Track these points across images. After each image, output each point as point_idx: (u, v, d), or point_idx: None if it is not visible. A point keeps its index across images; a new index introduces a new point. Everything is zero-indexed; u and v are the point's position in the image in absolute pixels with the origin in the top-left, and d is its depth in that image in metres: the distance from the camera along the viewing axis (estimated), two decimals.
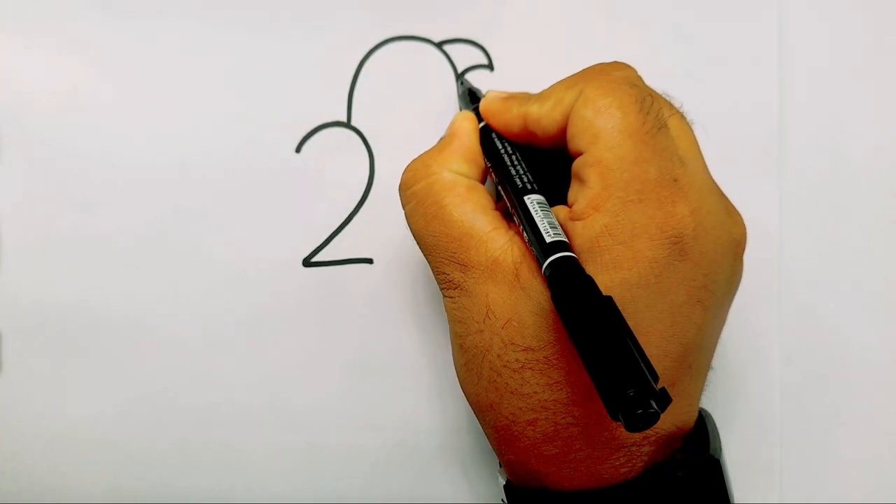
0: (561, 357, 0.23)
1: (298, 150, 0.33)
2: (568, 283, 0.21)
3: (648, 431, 0.24)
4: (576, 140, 0.24)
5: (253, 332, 0.33)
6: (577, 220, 0.24)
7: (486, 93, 0.29)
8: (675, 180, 0.24)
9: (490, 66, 0.34)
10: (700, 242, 0.24)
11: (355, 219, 0.33)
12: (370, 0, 0.33)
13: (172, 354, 0.33)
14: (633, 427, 0.19)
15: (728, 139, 0.34)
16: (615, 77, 0.25)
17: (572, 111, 0.25)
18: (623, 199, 0.23)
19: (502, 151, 0.27)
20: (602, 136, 0.24)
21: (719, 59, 0.34)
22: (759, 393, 0.35)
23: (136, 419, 0.33)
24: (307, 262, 0.33)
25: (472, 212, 0.25)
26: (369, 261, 0.34)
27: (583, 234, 0.23)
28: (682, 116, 0.26)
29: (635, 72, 0.26)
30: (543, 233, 0.23)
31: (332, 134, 0.34)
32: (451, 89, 0.34)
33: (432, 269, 0.26)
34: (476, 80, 0.34)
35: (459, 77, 0.33)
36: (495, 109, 0.28)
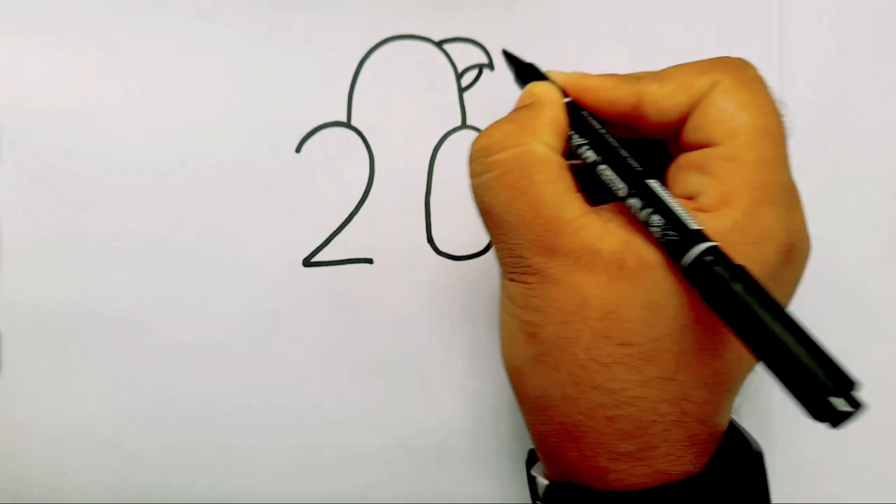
0: (660, 354, 0.22)
1: (298, 149, 0.33)
2: (725, 273, 0.20)
3: (714, 428, 0.24)
4: (706, 130, 0.23)
5: (253, 331, 0.33)
6: (704, 211, 0.22)
7: (570, 73, 0.26)
8: (793, 190, 0.24)
9: (490, 66, 0.34)
10: (803, 253, 0.24)
11: (355, 219, 0.33)
12: (370, 0, 0.33)
13: (172, 354, 0.33)
14: (839, 423, 0.18)
15: None
16: (751, 74, 0.24)
17: (708, 100, 0.23)
18: (758, 200, 0.22)
19: (602, 131, 0.24)
20: (743, 132, 0.23)
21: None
22: (758, 393, 0.35)
23: (137, 419, 0.33)
24: (307, 262, 0.33)
25: (565, 193, 0.23)
26: (369, 261, 0.34)
27: (710, 226, 0.22)
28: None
29: (760, 72, 0.25)
30: (685, 220, 0.21)
31: (332, 134, 0.34)
32: (452, 89, 0.34)
33: (501, 250, 0.24)
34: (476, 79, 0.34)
35: (507, 53, 0.28)
36: (598, 85, 0.25)
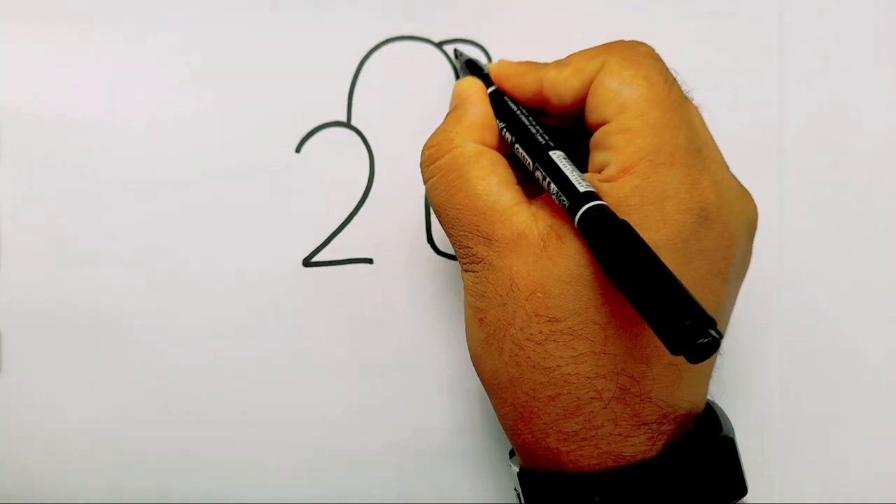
0: (586, 327, 0.23)
1: (298, 150, 0.33)
2: (606, 227, 0.22)
3: (668, 409, 0.24)
4: (599, 110, 0.25)
5: (252, 332, 0.33)
6: (608, 181, 0.24)
7: (497, 61, 0.29)
8: (699, 151, 0.24)
9: None
10: (723, 214, 0.24)
11: (355, 219, 0.33)
12: (370, 0, 0.33)
13: (172, 355, 0.33)
14: (696, 357, 0.19)
15: (728, 140, 0.34)
16: (638, 51, 0.25)
17: (595, 81, 0.25)
18: (654, 162, 0.23)
19: (518, 112, 0.27)
20: (629, 105, 0.24)
21: (718, 60, 0.34)
22: (758, 393, 0.35)
23: (137, 419, 0.33)
24: (307, 262, 0.33)
25: (497, 185, 0.25)
26: (369, 261, 0.34)
27: (611, 194, 0.23)
28: (691, 100, 0.26)
29: (655, 50, 0.26)
30: (576, 184, 0.23)
31: (332, 134, 0.34)
32: (452, 90, 0.34)
33: (453, 244, 0.26)
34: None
35: (456, 52, 0.33)
36: (510, 72, 0.28)
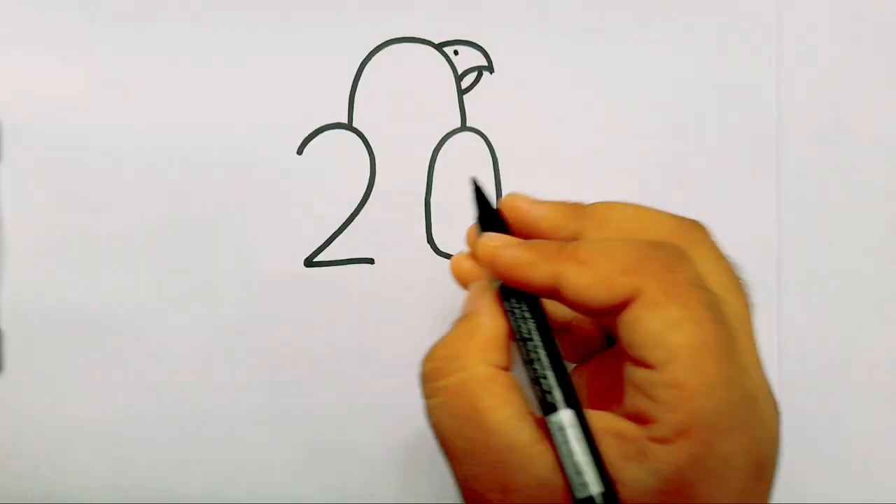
0: None
1: (300, 151, 0.34)
2: None
3: None
4: (640, 351, 0.21)
5: (254, 331, 0.33)
6: (660, 443, 0.21)
7: (502, 200, 0.24)
8: (756, 398, 0.22)
9: (490, 69, 0.34)
10: (776, 462, 0.23)
11: (356, 219, 0.34)
12: (370, 2, 0.34)
13: (173, 354, 0.33)
14: None
15: (727, 141, 0.34)
16: (680, 278, 0.21)
17: (633, 314, 0.21)
18: (715, 428, 0.20)
19: (527, 333, 0.23)
20: (679, 356, 0.20)
21: (717, 62, 0.34)
22: None
23: (137, 419, 0.33)
24: (308, 263, 0.33)
25: (514, 418, 0.21)
26: (370, 261, 0.34)
27: (665, 461, 0.20)
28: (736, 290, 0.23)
29: (693, 264, 0.22)
30: (589, 480, 0.20)
31: (333, 135, 0.34)
32: (452, 90, 0.34)
33: (456, 476, 0.23)
34: (476, 79, 0.34)
35: (475, 185, 0.26)
36: (513, 261, 0.23)
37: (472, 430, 0.22)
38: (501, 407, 0.22)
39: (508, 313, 0.23)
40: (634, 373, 0.21)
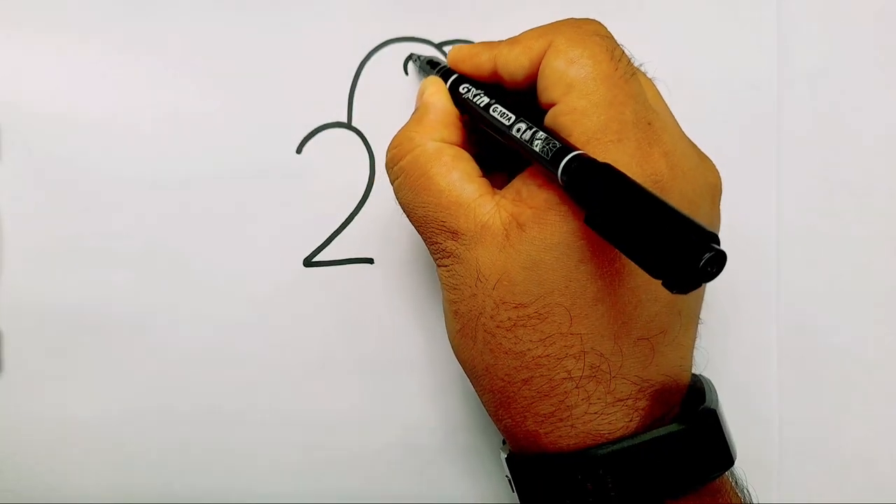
0: (552, 310, 0.24)
1: (299, 150, 0.34)
2: (590, 171, 0.22)
3: (644, 384, 0.24)
4: (548, 92, 0.25)
5: (253, 331, 0.33)
6: None
7: (453, 47, 0.29)
8: (650, 123, 0.24)
9: None
10: (678, 182, 0.24)
11: (356, 219, 0.34)
12: (370, 1, 0.33)
13: (173, 354, 0.33)
14: (704, 276, 0.19)
15: (726, 140, 0.34)
16: (585, 29, 0.25)
17: (543, 62, 0.25)
18: (602, 141, 0.23)
19: (477, 96, 0.27)
20: (575, 86, 0.24)
21: (717, 60, 0.34)
22: (757, 393, 0.35)
23: (137, 419, 0.33)
24: (308, 262, 0.33)
25: (459, 180, 0.25)
26: (370, 261, 0.34)
27: None
28: (644, 73, 0.27)
29: (604, 26, 0.26)
30: (546, 144, 0.23)
31: (332, 135, 0.34)
32: None
33: (425, 241, 0.27)
34: None
35: (410, 57, 0.33)
36: (465, 54, 0.28)
37: (426, 196, 0.26)
38: (449, 173, 0.26)
39: (464, 98, 0.27)
40: (547, 118, 0.25)
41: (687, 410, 0.25)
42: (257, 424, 0.33)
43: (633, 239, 0.20)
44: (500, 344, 0.24)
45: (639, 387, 0.24)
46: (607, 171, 0.21)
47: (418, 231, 0.27)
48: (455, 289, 0.25)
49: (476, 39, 0.34)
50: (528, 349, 0.24)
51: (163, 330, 0.33)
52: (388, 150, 0.27)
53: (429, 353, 0.34)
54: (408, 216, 0.27)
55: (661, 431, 0.24)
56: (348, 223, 0.34)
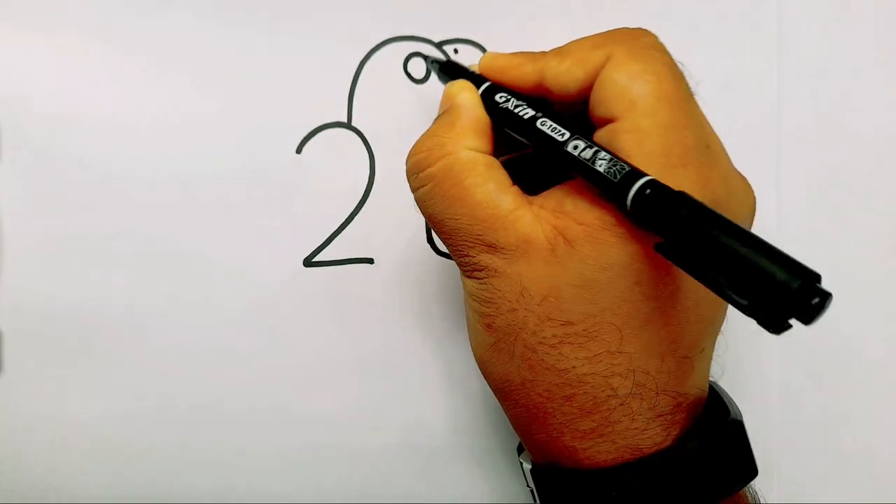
0: (602, 329, 0.23)
1: (299, 150, 0.34)
2: (666, 201, 0.21)
3: (681, 399, 0.24)
4: (606, 105, 0.24)
5: (253, 332, 0.33)
6: None
7: (485, 54, 0.28)
8: (709, 147, 0.24)
9: None
10: (732, 207, 0.24)
11: (356, 219, 0.34)
12: (370, 0, 0.33)
13: (173, 354, 0.33)
14: (811, 318, 0.18)
15: (726, 140, 0.34)
16: (644, 42, 0.24)
17: (603, 74, 0.24)
18: (665, 165, 0.23)
19: (519, 107, 0.25)
20: (639, 103, 0.23)
21: (717, 60, 0.34)
22: (757, 394, 0.35)
23: (137, 419, 0.33)
24: (308, 262, 0.33)
25: (496, 191, 0.24)
26: (370, 261, 0.34)
27: None
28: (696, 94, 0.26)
29: (659, 39, 0.25)
30: (612, 166, 0.22)
31: (332, 134, 0.34)
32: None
33: (453, 253, 0.25)
34: None
35: (422, 56, 0.32)
36: (504, 64, 0.26)
37: (460, 208, 0.24)
38: (485, 183, 0.24)
39: (502, 108, 0.26)
40: (601, 133, 0.24)
41: (712, 421, 0.25)
42: (257, 424, 0.33)
43: (721, 272, 0.19)
44: (542, 360, 0.24)
45: (677, 402, 0.24)
46: (685, 199, 0.20)
47: (446, 242, 0.26)
48: (489, 302, 0.24)
49: (476, 39, 0.34)
50: (573, 367, 0.23)
51: (163, 330, 0.33)
52: (413, 154, 0.26)
53: (429, 354, 0.34)
54: (435, 226, 0.26)
55: (695, 445, 0.24)
56: (348, 223, 0.34)
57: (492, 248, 0.24)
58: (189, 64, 0.33)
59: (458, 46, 0.34)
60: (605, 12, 0.34)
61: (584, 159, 0.23)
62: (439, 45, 0.34)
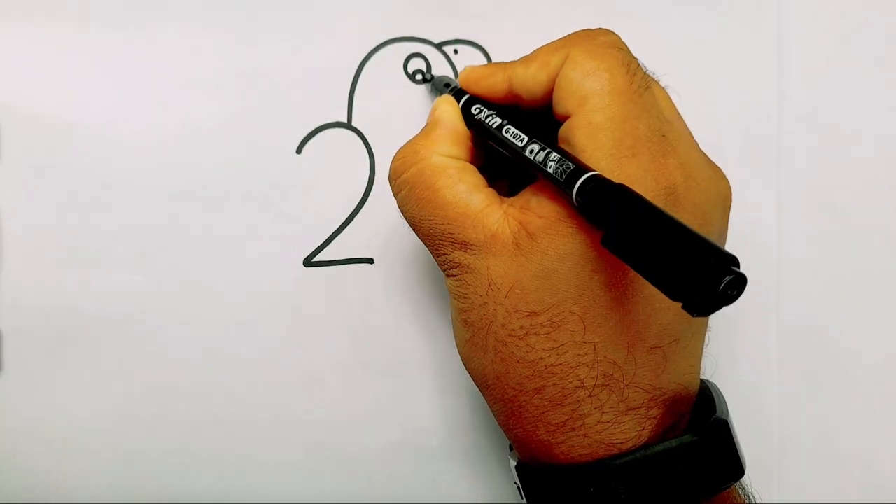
0: (565, 318, 0.24)
1: (299, 150, 0.34)
2: (605, 193, 0.22)
3: (656, 392, 0.24)
4: (563, 103, 0.25)
5: (253, 331, 0.33)
6: None
7: (463, 68, 0.29)
8: (664, 136, 0.24)
9: None
10: (692, 193, 0.24)
11: (356, 219, 0.34)
12: (370, 1, 0.33)
13: (172, 354, 0.33)
14: (724, 299, 0.19)
15: (727, 140, 0.34)
16: (601, 41, 0.25)
17: (560, 73, 0.25)
18: (616, 156, 0.24)
19: (489, 116, 0.27)
20: (590, 99, 0.24)
21: (717, 60, 0.34)
22: (757, 394, 0.35)
23: (137, 419, 0.33)
24: (308, 262, 0.33)
25: (465, 192, 0.25)
26: (370, 261, 0.34)
27: None
28: (658, 82, 0.27)
29: (619, 37, 0.26)
30: (559, 165, 0.23)
31: (332, 135, 0.34)
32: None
33: (432, 253, 0.27)
34: None
35: (429, 80, 0.33)
36: (478, 76, 0.28)
37: (432, 209, 0.26)
38: (454, 185, 0.25)
39: (476, 119, 0.28)
40: (561, 131, 0.25)
41: (698, 420, 0.25)
42: (256, 425, 0.33)
43: (650, 261, 0.20)
44: (512, 353, 0.24)
45: (651, 395, 0.24)
46: (622, 192, 0.21)
47: (425, 243, 0.27)
48: (464, 298, 0.25)
49: (476, 40, 0.34)
50: (541, 357, 0.24)
51: (162, 329, 0.33)
52: (392, 162, 0.27)
53: (429, 354, 0.34)
54: (413, 228, 0.27)
55: (674, 443, 0.24)
56: (348, 223, 0.34)
57: (462, 245, 0.25)
58: (189, 64, 0.33)
59: (458, 47, 0.34)
60: (604, 12, 0.34)
61: (538, 161, 0.24)
62: (439, 46, 0.34)
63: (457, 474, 0.34)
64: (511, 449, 0.28)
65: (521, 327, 0.24)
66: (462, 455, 0.34)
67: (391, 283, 0.34)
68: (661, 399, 0.25)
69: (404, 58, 0.34)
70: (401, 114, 0.34)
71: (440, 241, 0.26)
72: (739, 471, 0.25)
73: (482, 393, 0.27)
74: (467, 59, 0.34)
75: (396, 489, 0.34)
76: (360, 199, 0.34)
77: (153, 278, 0.33)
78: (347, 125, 0.34)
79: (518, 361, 0.24)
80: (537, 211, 0.24)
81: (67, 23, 0.33)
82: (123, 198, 0.33)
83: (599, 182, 0.22)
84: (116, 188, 0.33)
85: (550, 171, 0.24)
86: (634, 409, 0.24)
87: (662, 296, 0.24)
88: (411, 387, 0.34)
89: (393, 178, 0.27)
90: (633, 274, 0.23)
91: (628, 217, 0.21)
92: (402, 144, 0.33)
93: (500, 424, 0.27)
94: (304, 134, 0.34)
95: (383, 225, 0.33)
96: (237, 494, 0.33)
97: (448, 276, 0.26)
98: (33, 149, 0.33)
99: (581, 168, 0.23)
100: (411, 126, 0.33)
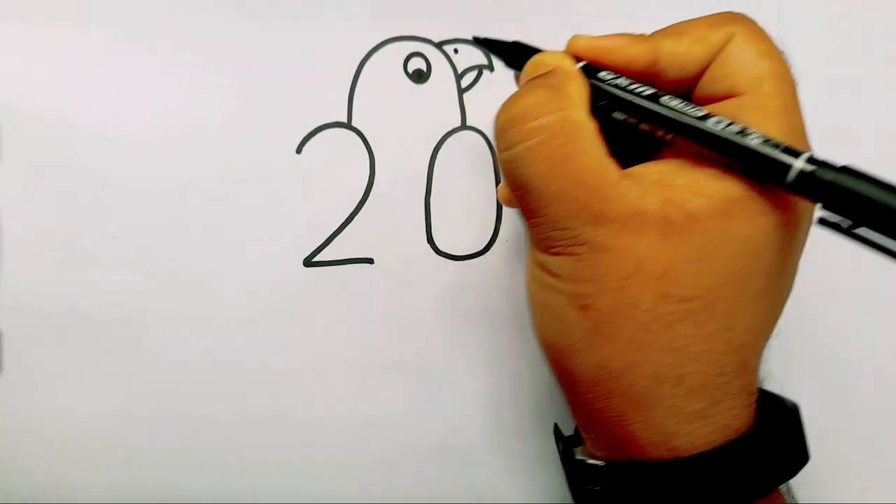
0: (717, 304, 0.22)
1: (299, 150, 0.34)
2: (836, 175, 0.20)
3: (759, 378, 0.24)
4: (731, 80, 0.23)
5: (253, 331, 0.33)
6: None
7: (575, 35, 0.25)
8: (806, 135, 0.24)
9: (490, 67, 0.34)
10: None
11: (356, 219, 0.34)
12: (370, 0, 0.33)
13: (173, 354, 0.33)
14: None
15: None
16: (761, 27, 0.24)
17: (727, 50, 0.23)
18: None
19: (633, 84, 0.24)
20: (766, 80, 0.23)
21: None
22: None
23: (137, 419, 0.33)
24: (308, 262, 0.33)
25: (605, 158, 0.22)
26: (370, 260, 0.34)
27: None
28: None
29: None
30: (771, 141, 0.21)
31: (332, 134, 0.34)
32: (452, 90, 0.34)
33: (542, 224, 0.23)
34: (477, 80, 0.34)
35: (478, 39, 0.28)
36: (611, 45, 0.24)
37: (569, 169, 0.22)
38: (595, 147, 0.22)
39: (611, 85, 0.24)
40: (722, 107, 0.23)
41: (772, 407, 0.25)
42: (256, 424, 0.33)
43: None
44: (655, 340, 0.22)
45: (758, 382, 0.24)
46: (865, 176, 0.21)
47: (537, 211, 0.23)
48: (589, 281, 0.22)
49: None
50: (689, 344, 0.22)
51: (162, 329, 0.33)
52: (512, 107, 0.23)
53: (428, 353, 0.34)
54: (523, 190, 0.23)
55: (772, 426, 0.24)
56: (348, 223, 0.34)
57: (597, 218, 0.22)
58: (189, 64, 0.33)
59: (458, 46, 0.34)
60: (605, 12, 0.34)
61: (731, 133, 0.22)
62: (439, 45, 0.34)
63: (456, 474, 0.34)
64: (562, 450, 0.27)
65: (672, 312, 0.22)
66: (463, 456, 0.34)
67: (391, 282, 0.34)
68: (760, 384, 0.25)
69: (404, 57, 0.34)
70: (401, 113, 0.34)
71: (568, 211, 0.22)
72: (806, 457, 0.25)
73: (584, 388, 0.24)
74: (467, 59, 0.34)
75: (397, 490, 0.34)
76: (360, 199, 0.34)
77: (153, 278, 0.33)
78: (347, 125, 0.34)
79: (659, 349, 0.22)
80: (696, 189, 0.22)
81: (67, 23, 0.33)
82: (123, 198, 0.33)
83: (822, 162, 0.21)
84: (116, 188, 0.33)
85: (752, 144, 0.21)
86: (752, 393, 0.24)
87: (789, 288, 0.24)
88: (411, 387, 0.34)
89: (512, 126, 0.23)
90: (788, 262, 0.23)
91: (878, 200, 0.20)
92: (404, 142, 0.33)
93: (596, 423, 0.25)
94: (304, 134, 0.34)
95: (383, 225, 0.33)
96: (237, 494, 0.33)
97: (563, 254, 0.23)
98: (33, 149, 0.33)
99: (793, 148, 0.21)
100: (411, 125, 0.34)
